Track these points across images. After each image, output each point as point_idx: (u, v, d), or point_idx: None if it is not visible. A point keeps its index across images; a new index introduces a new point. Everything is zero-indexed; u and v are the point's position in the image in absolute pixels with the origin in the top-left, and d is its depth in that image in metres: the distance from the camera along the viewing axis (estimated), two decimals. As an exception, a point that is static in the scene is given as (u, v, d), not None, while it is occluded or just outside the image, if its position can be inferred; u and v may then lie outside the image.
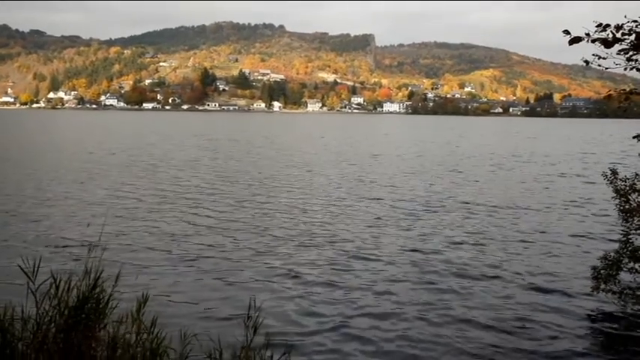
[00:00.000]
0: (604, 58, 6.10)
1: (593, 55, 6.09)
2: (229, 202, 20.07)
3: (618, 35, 6.00)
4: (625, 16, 6.08)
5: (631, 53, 6.24)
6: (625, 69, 6.46)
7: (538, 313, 9.58)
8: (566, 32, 5.89)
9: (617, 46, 6.07)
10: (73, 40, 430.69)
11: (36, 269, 4.93)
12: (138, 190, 22.76)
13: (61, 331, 4.87)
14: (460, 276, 11.47)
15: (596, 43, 5.89)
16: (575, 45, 5.94)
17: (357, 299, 10.03)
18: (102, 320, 5.14)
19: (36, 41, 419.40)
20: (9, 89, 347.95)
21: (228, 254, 12.92)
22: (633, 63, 6.41)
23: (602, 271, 9.51)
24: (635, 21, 6.08)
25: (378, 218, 17.41)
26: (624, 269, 9.43)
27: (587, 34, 5.83)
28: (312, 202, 20.54)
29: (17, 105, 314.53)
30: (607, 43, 5.90)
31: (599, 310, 9.73)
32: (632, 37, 6.10)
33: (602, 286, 9.51)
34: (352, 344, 8.37)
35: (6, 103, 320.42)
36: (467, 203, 20.40)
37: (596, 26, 5.96)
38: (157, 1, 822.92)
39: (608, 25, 5.96)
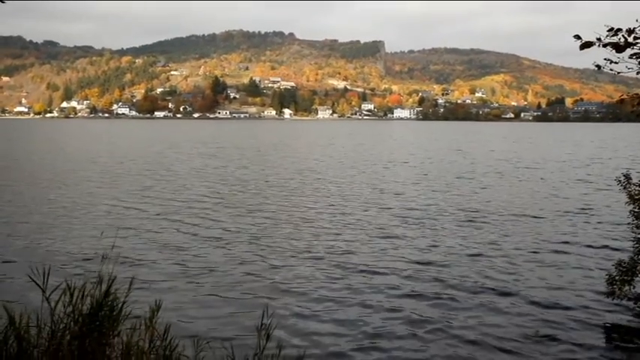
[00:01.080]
0: (616, 63, 6.03)
1: (605, 59, 6.02)
2: (240, 212, 20.13)
3: (630, 39, 5.93)
4: (637, 20, 6.01)
5: (643, 57, 6.16)
6: (638, 73, 6.38)
7: (552, 325, 9.37)
8: (577, 37, 5.83)
9: (629, 50, 6.00)
10: (86, 50, 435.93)
11: (46, 277, 4.98)
12: (149, 199, 22.90)
13: (75, 338, 4.92)
14: (468, 289, 11.23)
15: (608, 47, 5.83)
16: (586, 49, 5.88)
17: (368, 313, 9.92)
18: (115, 327, 5.19)
19: (49, 52, 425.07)
20: (23, 99, 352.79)
21: (240, 265, 12.93)
22: (646, 67, 6.32)
23: (616, 277, 9.38)
24: (647, 25, 6.00)
25: (385, 229, 17.15)
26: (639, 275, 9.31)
27: (599, 39, 5.77)
28: (322, 211, 20.56)
29: (31, 115, 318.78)
30: (619, 48, 5.83)
31: (614, 318, 9.58)
32: (645, 40, 6.03)
33: (617, 292, 9.37)
34: (362, 355, 8.35)
35: (20, 113, 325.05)
36: (475, 212, 20.18)
37: (608, 30, 5.89)
38: (167, 11, 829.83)
39: (619, 30, 5.89)
